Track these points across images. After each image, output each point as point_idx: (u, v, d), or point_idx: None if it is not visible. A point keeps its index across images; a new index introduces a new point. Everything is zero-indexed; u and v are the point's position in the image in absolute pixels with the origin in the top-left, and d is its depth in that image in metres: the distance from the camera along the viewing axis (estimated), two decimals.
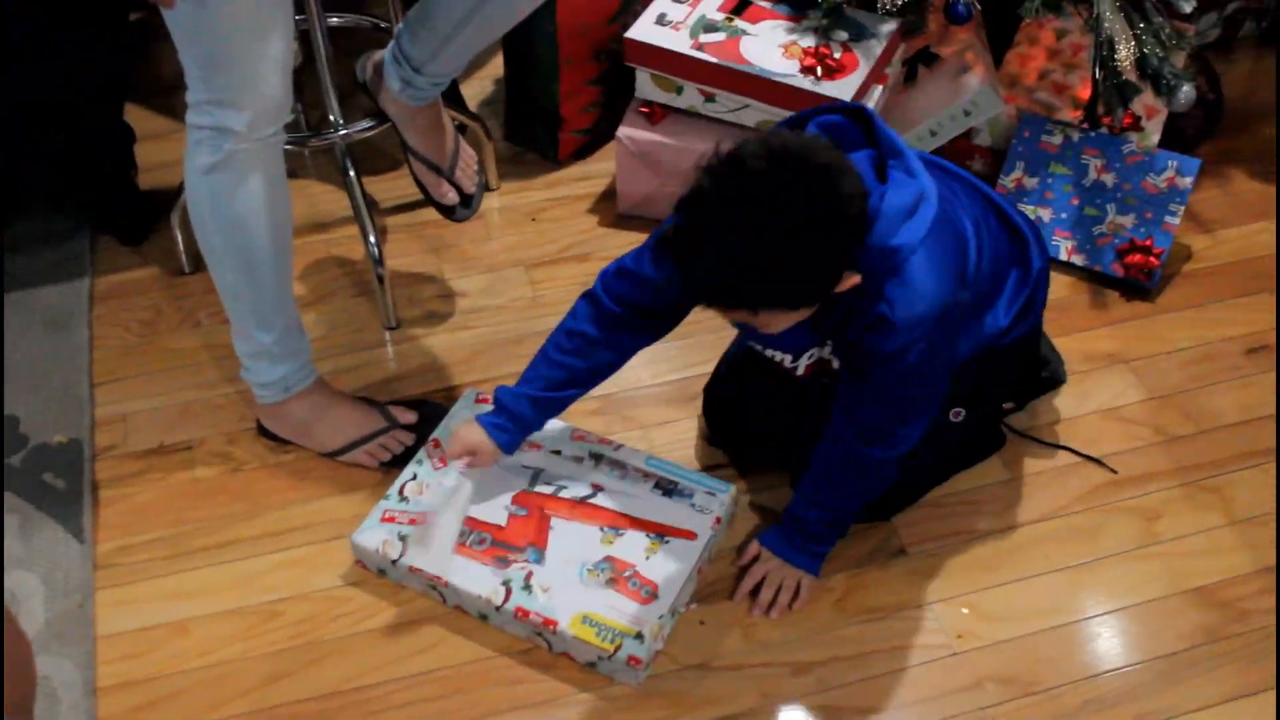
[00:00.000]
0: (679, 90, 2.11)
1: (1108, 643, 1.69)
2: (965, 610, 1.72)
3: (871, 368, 1.53)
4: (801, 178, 1.33)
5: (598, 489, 1.79)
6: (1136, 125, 2.20)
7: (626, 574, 1.69)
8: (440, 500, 1.76)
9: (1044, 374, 1.94)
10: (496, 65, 2.55)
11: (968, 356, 1.65)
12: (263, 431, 1.93)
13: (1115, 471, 1.89)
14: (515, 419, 1.71)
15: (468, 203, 1.98)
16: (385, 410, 1.89)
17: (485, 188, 2.11)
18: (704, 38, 2.09)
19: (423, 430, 1.88)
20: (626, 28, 2.13)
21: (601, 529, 1.74)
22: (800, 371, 1.70)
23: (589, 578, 1.69)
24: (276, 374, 1.83)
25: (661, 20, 2.12)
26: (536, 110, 2.32)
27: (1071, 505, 1.84)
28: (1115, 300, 2.13)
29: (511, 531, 1.74)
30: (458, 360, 2.06)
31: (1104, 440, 1.92)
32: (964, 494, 1.86)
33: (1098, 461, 1.90)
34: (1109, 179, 2.14)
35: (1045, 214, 2.17)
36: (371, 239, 2.06)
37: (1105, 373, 2.02)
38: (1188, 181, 2.11)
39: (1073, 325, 2.09)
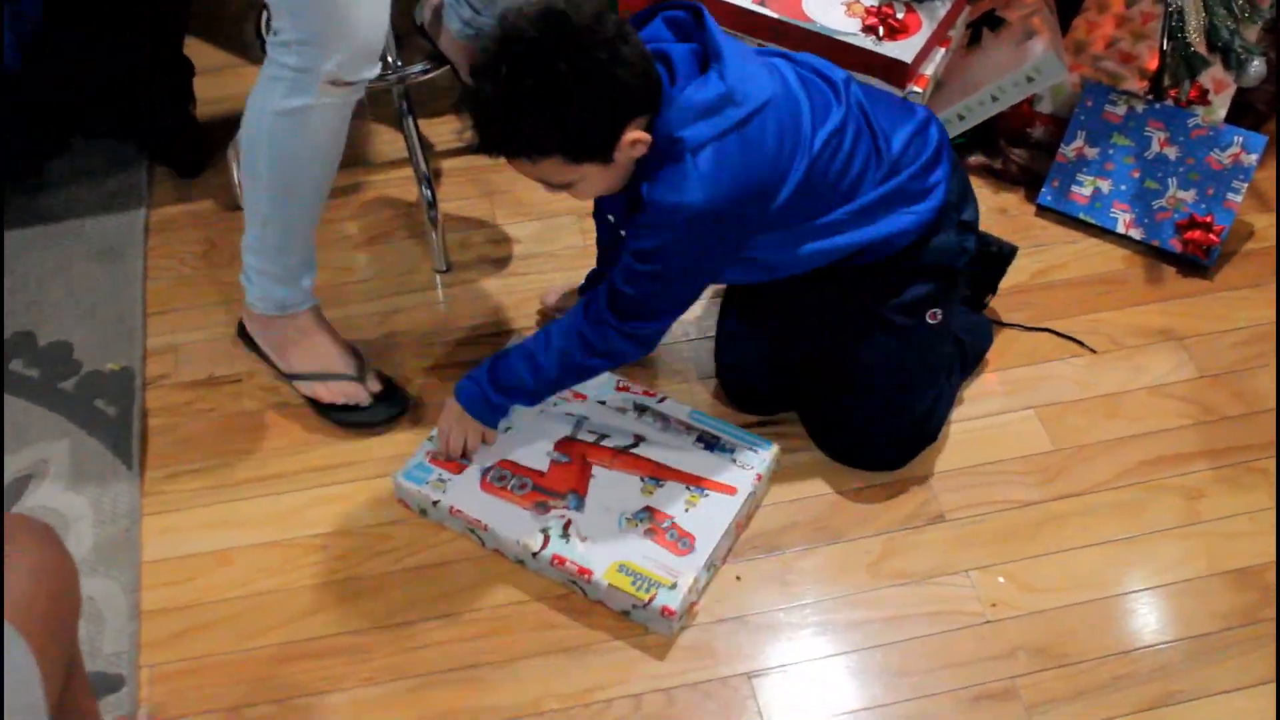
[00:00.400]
0: None
1: (1143, 619, 1.71)
2: (1001, 579, 1.74)
3: (626, 240, 1.63)
4: (557, 34, 1.46)
5: (639, 439, 1.82)
6: (1203, 99, 2.18)
7: (665, 525, 1.71)
8: (483, 448, 1.80)
9: (992, 249, 1.98)
10: None
11: (883, 257, 1.71)
12: (241, 334, 1.96)
13: (1094, 351, 1.99)
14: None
15: None
16: (361, 364, 1.92)
17: None
18: None
19: (379, 406, 1.90)
20: None
21: (642, 479, 1.77)
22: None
23: (627, 526, 1.72)
24: (278, 293, 1.86)
25: None
26: None
27: (1114, 480, 1.85)
28: (1171, 276, 2.12)
29: (552, 477, 1.77)
30: (507, 306, 2.09)
31: (1151, 416, 1.92)
32: (1006, 463, 1.87)
33: (1077, 342, 1.99)
34: (1172, 152, 2.13)
35: (1105, 185, 2.16)
36: (425, 182, 2.08)
37: (1157, 349, 2.02)
38: (1253, 159, 2.09)
39: (1127, 299, 2.09)
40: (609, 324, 1.66)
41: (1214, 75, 2.11)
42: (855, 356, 1.79)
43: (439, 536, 1.79)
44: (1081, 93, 2.19)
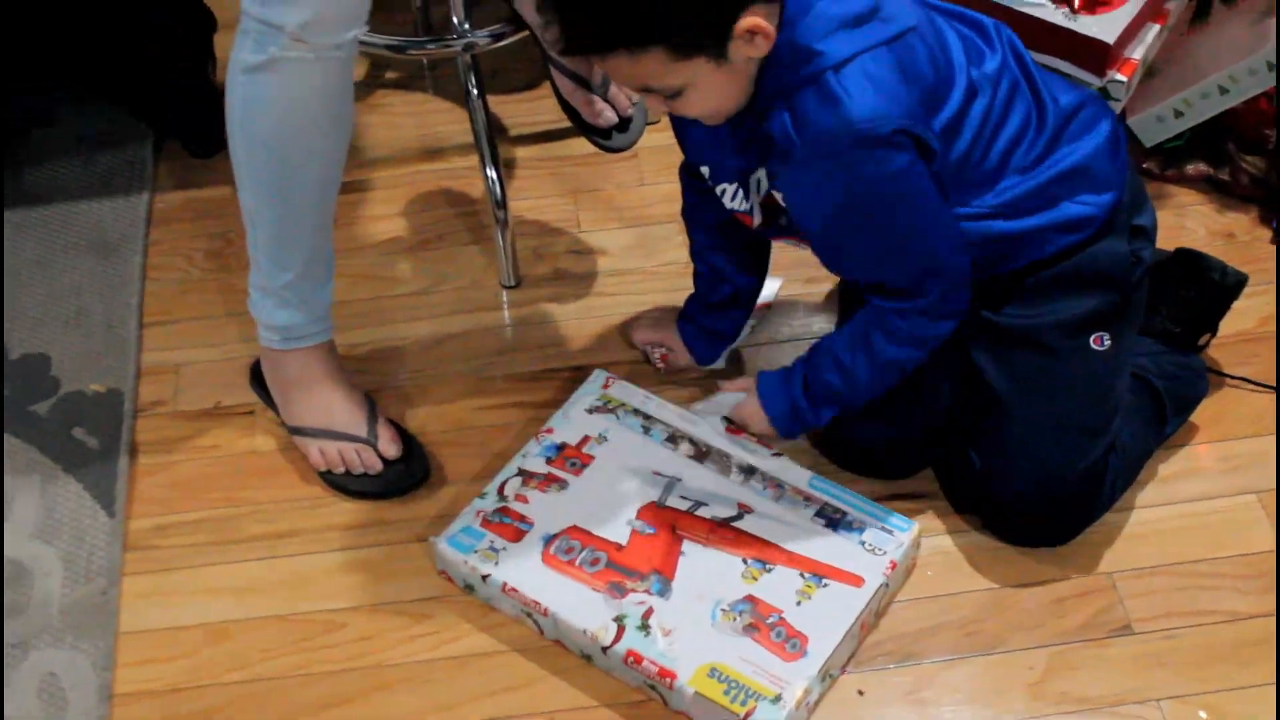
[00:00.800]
0: None
1: None
2: (1203, 713, 1.71)
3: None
4: None
5: (745, 510, 1.83)
6: None
7: (770, 620, 1.72)
8: (548, 511, 1.83)
9: (1213, 275, 1.96)
10: None
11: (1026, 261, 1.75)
12: (254, 379, 2.01)
13: None
14: (703, 324, 2.01)
15: (624, 127, 2.01)
16: (375, 423, 1.95)
17: (645, 115, 2.15)
18: None
19: (393, 472, 1.94)
20: None
21: (745, 561, 1.78)
22: (756, 221, 1.78)
23: (723, 621, 1.72)
24: (280, 319, 1.89)
25: None
26: None
27: None
28: None
29: (633, 553, 1.79)
30: (587, 334, 2.11)
31: None
32: (1216, 563, 1.84)
33: None
34: None
35: None
36: (493, 173, 2.12)
37: None
38: None
39: None
40: (890, 311, 1.74)
41: None
42: (999, 385, 1.80)
43: (488, 619, 1.80)
44: None
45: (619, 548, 1.80)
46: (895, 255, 1.70)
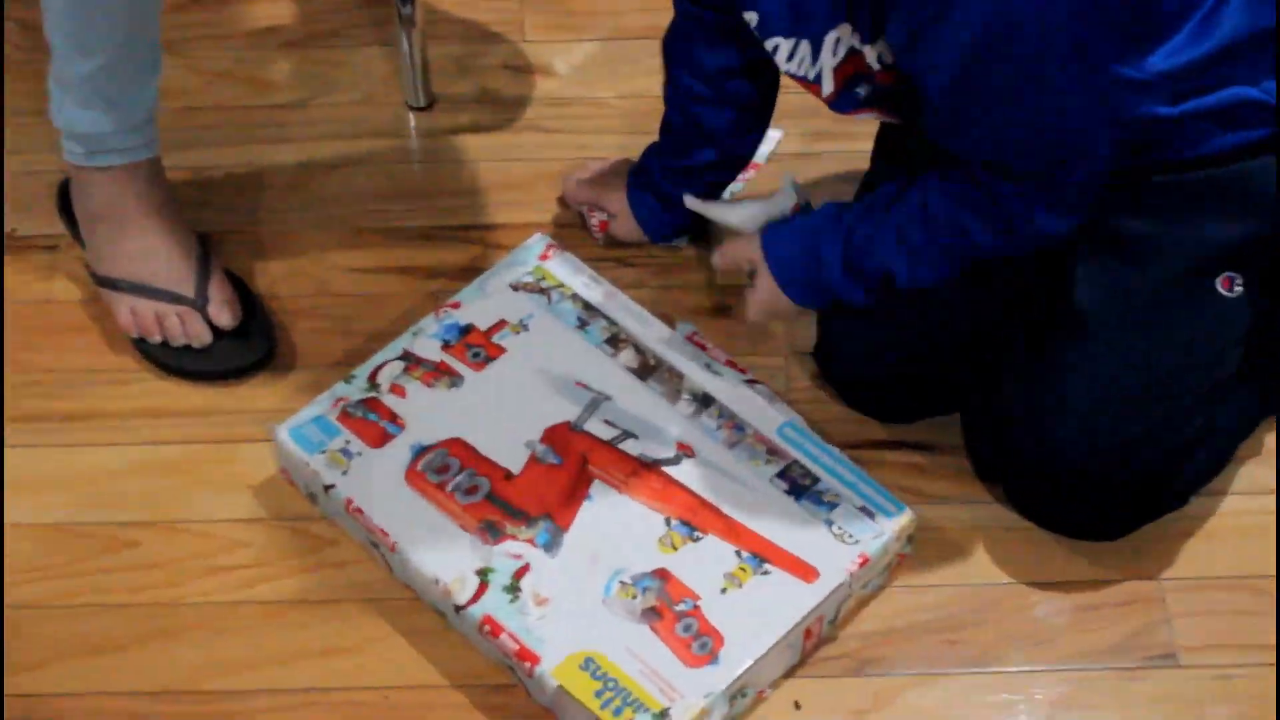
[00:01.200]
0: None
1: None
2: None
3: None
4: None
5: (685, 453, 1.78)
6: None
7: (680, 607, 1.68)
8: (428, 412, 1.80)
9: None
10: None
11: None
12: (62, 203, 1.97)
13: None
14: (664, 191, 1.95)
15: None
16: (207, 279, 1.91)
17: None
18: None
19: (226, 346, 1.90)
20: None
21: (668, 522, 1.73)
22: (827, 90, 1.72)
23: (618, 598, 1.68)
24: (81, 124, 1.84)
25: None
26: None
27: None
28: None
29: (524, 486, 1.75)
30: (507, 182, 2.08)
31: None
32: None
33: None
34: None
35: None
36: None
37: None
38: None
39: None
40: (1002, 190, 1.66)
41: None
42: (1087, 302, 1.74)
43: (324, 554, 1.78)
44: None
45: (508, 476, 1.76)
46: (1040, 127, 1.62)
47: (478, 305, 1.88)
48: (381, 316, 1.94)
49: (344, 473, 1.75)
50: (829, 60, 1.70)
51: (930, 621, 1.76)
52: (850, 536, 1.72)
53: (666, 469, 1.77)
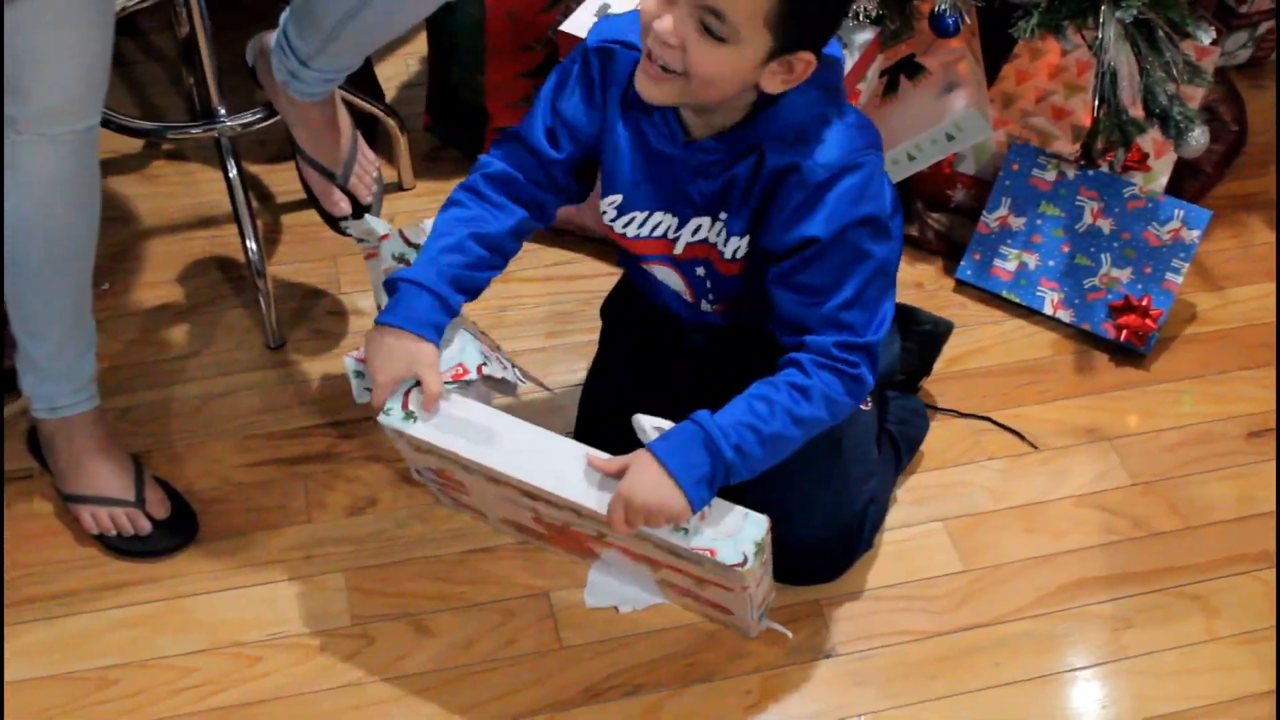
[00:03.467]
0: None
1: None
2: None
3: (816, 220, 1.49)
4: None
5: (604, 531, 1.61)
6: (1143, 163, 2.15)
7: (693, 591, 1.68)
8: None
9: (925, 326, 1.94)
10: (421, 42, 2.48)
11: None
12: (31, 444, 1.88)
13: (1036, 448, 1.96)
14: (431, 297, 1.56)
15: (361, 215, 1.92)
16: (143, 486, 1.84)
17: (386, 191, 2.05)
18: None
19: (162, 532, 1.82)
20: (564, 17, 2.07)
21: (637, 564, 1.69)
22: (678, 251, 1.61)
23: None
24: (42, 390, 1.78)
25: (603, 13, 2.05)
26: (459, 104, 2.26)
27: (1030, 607, 1.80)
28: (1103, 365, 2.08)
29: (564, 540, 1.72)
30: (344, 391, 1.93)
31: (1075, 532, 1.88)
32: (906, 586, 1.82)
33: (1019, 435, 1.97)
34: (1106, 225, 2.09)
35: (1031, 260, 2.12)
36: (252, 245, 2.01)
37: (1084, 450, 1.97)
38: (1195, 235, 2.06)
39: (1052, 391, 2.05)
40: (841, 367, 1.53)
41: (1155, 137, 2.08)
42: None
43: (253, 669, 1.71)
44: (1007, 154, 2.15)
45: (547, 536, 1.75)
46: (873, 288, 1.54)
47: (416, 460, 1.72)
48: (270, 496, 1.88)
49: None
50: (709, 231, 1.59)
51: (672, 653, 1.72)
52: (726, 580, 1.57)
53: (605, 539, 1.64)
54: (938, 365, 2.03)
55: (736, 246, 1.58)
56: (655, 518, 1.48)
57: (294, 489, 1.89)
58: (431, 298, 1.56)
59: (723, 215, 1.57)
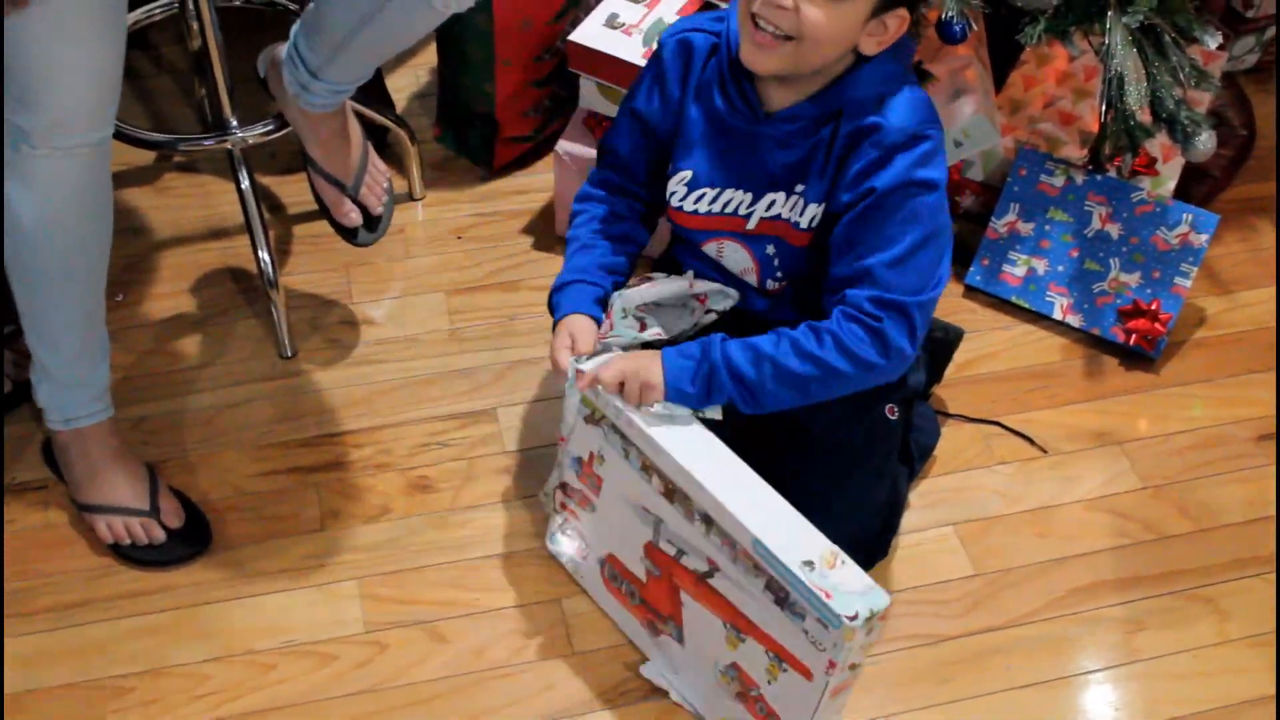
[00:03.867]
0: None
1: None
2: None
3: (880, 179, 1.55)
4: None
5: (714, 567, 1.56)
6: (1151, 168, 2.15)
7: (753, 693, 1.58)
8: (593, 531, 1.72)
9: (936, 334, 1.94)
10: (431, 53, 2.49)
11: None
12: (46, 454, 1.89)
13: (1046, 452, 1.97)
14: (578, 284, 1.68)
15: (372, 225, 1.93)
16: (157, 495, 1.84)
17: (397, 201, 2.06)
18: None
19: (176, 541, 1.83)
20: (573, 26, 2.08)
21: (724, 625, 1.58)
22: (750, 226, 1.66)
23: (720, 684, 1.62)
24: (56, 401, 1.79)
25: (612, 23, 2.06)
26: (469, 113, 2.27)
27: (1042, 611, 1.80)
28: (1113, 369, 2.09)
29: (653, 592, 1.67)
30: (357, 400, 2.02)
31: (1086, 535, 1.88)
32: (918, 590, 1.82)
33: (1028, 439, 1.97)
34: (1114, 230, 2.10)
35: (1040, 265, 2.12)
36: (265, 255, 2.02)
37: (1094, 455, 1.98)
38: (1203, 239, 2.06)
39: (1061, 396, 2.05)
40: (868, 320, 1.56)
41: (1163, 142, 2.08)
42: (831, 446, 1.74)
43: (267, 677, 1.71)
44: (1015, 160, 2.15)
45: (643, 585, 1.68)
46: (922, 255, 1.57)
47: (575, 439, 1.66)
48: (283, 505, 1.88)
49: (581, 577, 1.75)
50: (783, 207, 1.64)
51: None
52: (820, 644, 1.45)
53: (709, 580, 1.57)
54: (948, 371, 2.03)
55: (813, 215, 1.63)
56: (631, 380, 1.56)
57: (307, 498, 1.89)
58: (581, 285, 1.67)
59: (799, 187, 1.62)
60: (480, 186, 2.33)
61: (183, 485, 1.89)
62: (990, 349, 2.11)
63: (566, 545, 1.78)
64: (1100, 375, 2.08)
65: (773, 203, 1.64)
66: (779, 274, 1.71)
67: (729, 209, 1.67)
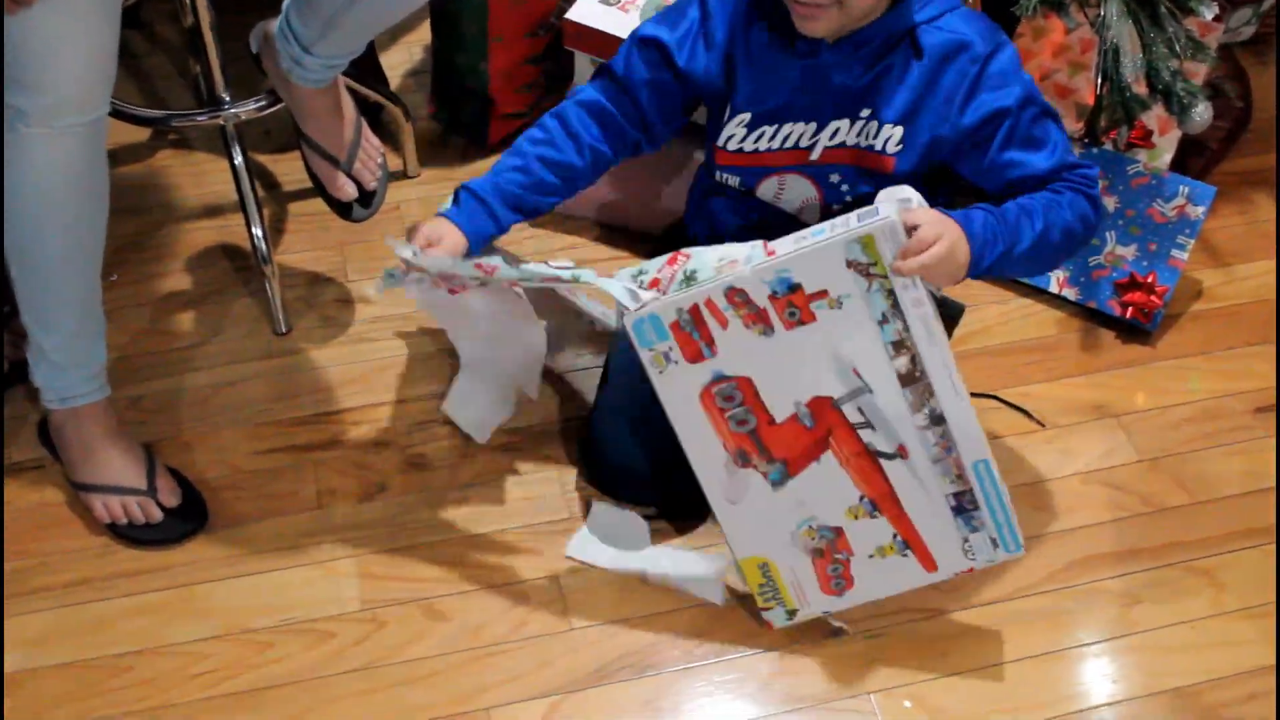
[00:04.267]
0: None
1: None
2: (908, 703, 1.68)
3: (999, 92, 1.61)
4: None
5: (901, 454, 1.61)
6: (1147, 140, 2.14)
7: (839, 555, 1.66)
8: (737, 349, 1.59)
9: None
10: (426, 30, 2.48)
11: None
12: (42, 434, 1.89)
13: (1043, 425, 1.97)
14: (479, 205, 1.67)
15: (366, 201, 1.92)
16: (154, 474, 1.84)
17: (392, 178, 2.05)
18: None
19: (173, 520, 1.83)
20: (568, 3, 2.07)
21: (860, 498, 1.64)
22: (815, 157, 1.67)
23: (803, 536, 1.66)
24: (52, 380, 1.78)
25: None
26: (464, 90, 2.26)
27: (1039, 584, 1.80)
28: (1110, 342, 2.08)
29: (779, 434, 1.62)
30: (353, 378, 2.02)
31: (1084, 508, 1.88)
32: None
33: (1025, 413, 1.97)
34: (1110, 202, 2.09)
35: None
36: (258, 232, 2.01)
37: (1091, 428, 1.97)
38: (1200, 211, 2.05)
39: (1059, 369, 2.05)
40: (1078, 184, 1.64)
41: (1159, 114, 2.07)
42: None
43: (265, 655, 1.71)
44: None
45: (771, 421, 1.61)
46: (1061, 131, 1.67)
47: (808, 266, 1.52)
48: (280, 483, 1.88)
49: (660, 372, 1.60)
50: (849, 133, 1.65)
51: (680, 630, 1.73)
52: (972, 554, 1.65)
53: (882, 460, 1.61)
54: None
55: (889, 135, 1.64)
56: (945, 260, 1.51)
57: (304, 476, 1.89)
58: (484, 209, 1.66)
59: (864, 112, 1.63)
60: (475, 163, 2.32)
61: (179, 464, 1.89)
62: (987, 323, 2.10)
63: (648, 331, 1.60)
64: (1097, 348, 2.08)
65: (836, 130, 1.65)
66: (847, 198, 1.71)
67: (789, 143, 1.67)
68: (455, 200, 1.69)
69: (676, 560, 1.79)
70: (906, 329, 1.53)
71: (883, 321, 1.53)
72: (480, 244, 1.68)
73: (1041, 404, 1.99)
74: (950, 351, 1.55)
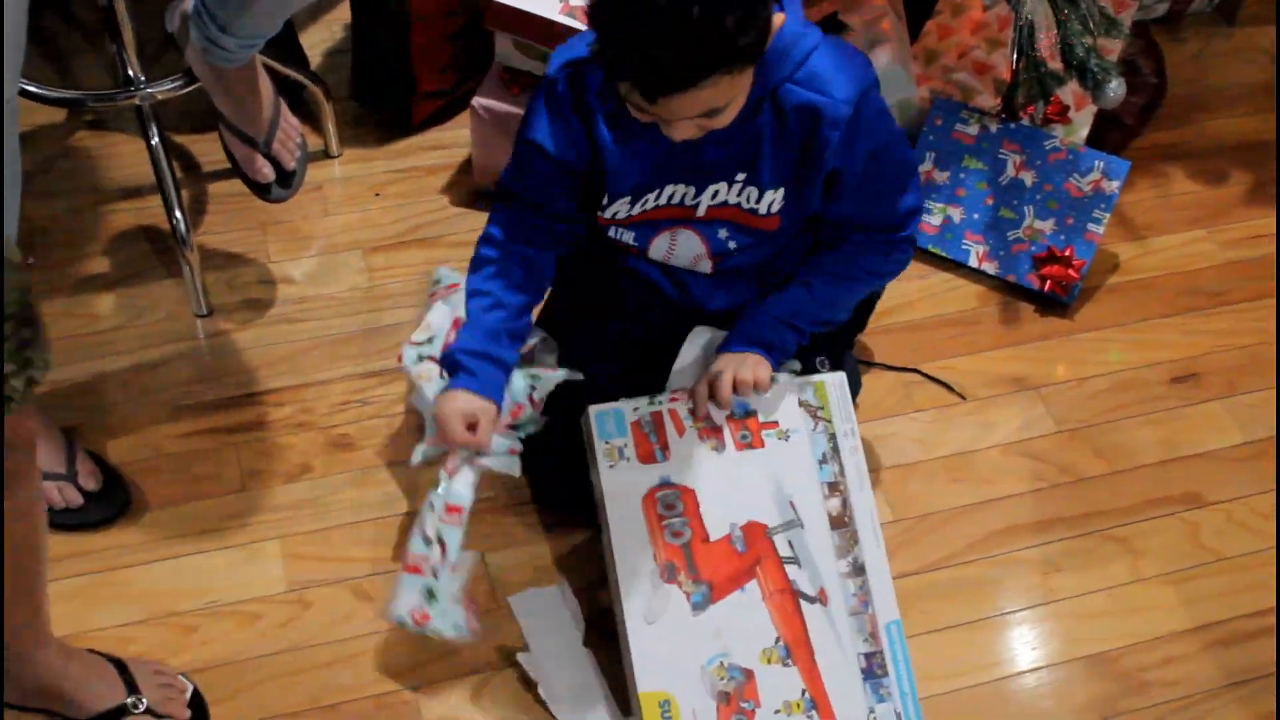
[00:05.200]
0: (544, 59, 2.04)
1: (987, 716, 1.68)
2: None
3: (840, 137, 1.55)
4: None
5: (821, 600, 1.62)
6: (1063, 115, 2.17)
7: (744, 705, 1.57)
8: (687, 459, 1.65)
9: None
10: (345, 9, 2.46)
11: None
12: None
13: (964, 398, 1.99)
14: (482, 361, 1.63)
15: (285, 181, 1.91)
16: (74, 459, 1.82)
17: (313, 159, 2.04)
18: (576, 1, 2.02)
19: (94, 505, 1.80)
20: None
21: (777, 640, 1.60)
22: (700, 214, 1.64)
23: (712, 673, 1.59)
24: None
25: None
26: (385, 69, 2.24)
27: (960, 554, 1.83)
28: (1028, 315, 2.11)
29: (710, 554, 1.62)
30: (275, 359, 2.00)
31: (1003, 479, 1.91)
32: None
33: (947, 386, 1.99)
34: (1028, 177, 2.12)
35: (956, 214, 2.14)
36: (178, 214, 1.99)
37: (1010, 400, 2.00)
38: (1115, 186, 2.08)
39: (978, 343, 2.07)
40: (900, 239, 1.67)
41: (1074, 90, 2.10)
42: None
43: (189, 639, 1.70)
44: (930, 109, 2.16)
45: (705, 539, 1.62)
46: (910, 183, 1.66)
47: (767, 403, 1.66)
48: (203, 465, 1.86)
49: (611, 466, 1.63)
50: (706, 200, 1.63)
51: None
52: None
53: (803, 603, 1.61)
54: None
55: (771, 200, 1.61)
56: (742, 384, 1.62)
57: (226, 458, 1.88)
58: (488, 362, 1.62)
59: (740, 175, 1.59)
60: (398, 143, 2.31)
61: (100, 448, 1.87)
62: (908, 298, 2.12)
63: (609, 423, 1.67)
64: (1016, 322, 2.10)
65: (717, 192, 1.62)
66: (736, 258, 1.69)
67: (674, 200, 1.64)
68: (452, 371, 1.63)
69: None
70: (842, 472, 1.65)
71: (822, 461, 1.65)
72: (501, 396, 1.64)
73: (963, 377, 2.02)
74: (875, 504, 1.65)
